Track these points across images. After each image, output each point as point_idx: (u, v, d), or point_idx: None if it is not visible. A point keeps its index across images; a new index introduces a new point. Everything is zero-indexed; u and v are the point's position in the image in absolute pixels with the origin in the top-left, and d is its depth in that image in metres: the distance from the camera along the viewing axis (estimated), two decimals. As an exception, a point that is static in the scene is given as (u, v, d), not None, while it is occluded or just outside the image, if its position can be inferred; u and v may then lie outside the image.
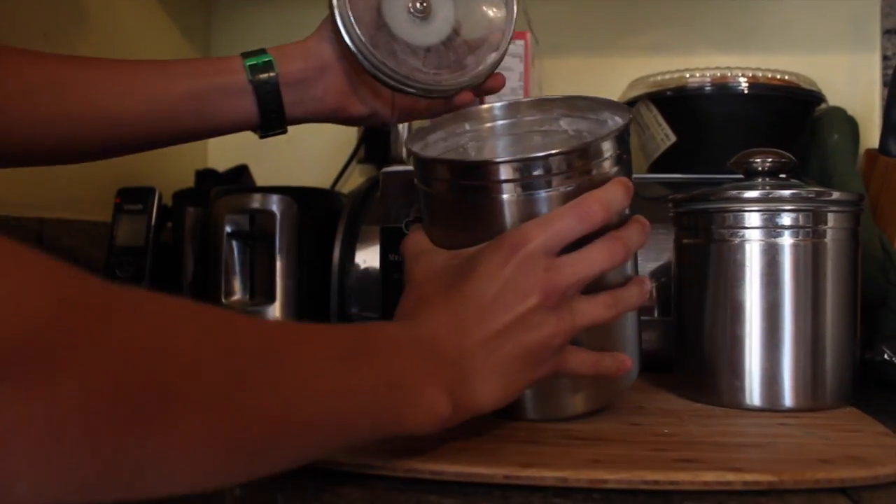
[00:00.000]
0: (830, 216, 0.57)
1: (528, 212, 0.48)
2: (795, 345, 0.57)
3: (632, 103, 0.88)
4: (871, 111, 1.03)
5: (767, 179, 0.59)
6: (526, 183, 0.47)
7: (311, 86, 0.63)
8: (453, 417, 0.43)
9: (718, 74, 0.84)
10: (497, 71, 0.64)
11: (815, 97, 0.87)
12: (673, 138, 0.86)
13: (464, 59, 0.63)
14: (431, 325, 0.45)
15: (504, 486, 0.42)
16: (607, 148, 0.49)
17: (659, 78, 0.86)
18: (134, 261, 0.84)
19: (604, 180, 0.48)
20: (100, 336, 0.26)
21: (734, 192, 0.58)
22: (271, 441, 0.33)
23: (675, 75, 0.85)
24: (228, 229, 0.79)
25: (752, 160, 0.60)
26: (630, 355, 0.52)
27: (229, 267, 0.79)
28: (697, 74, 0.84)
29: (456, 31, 0.63)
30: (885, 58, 1.04)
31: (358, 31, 0.59)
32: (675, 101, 0.85)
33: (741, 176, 0.61)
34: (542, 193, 0.47)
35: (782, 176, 0.60)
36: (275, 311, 0.77)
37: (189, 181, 1.01)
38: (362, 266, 0.76)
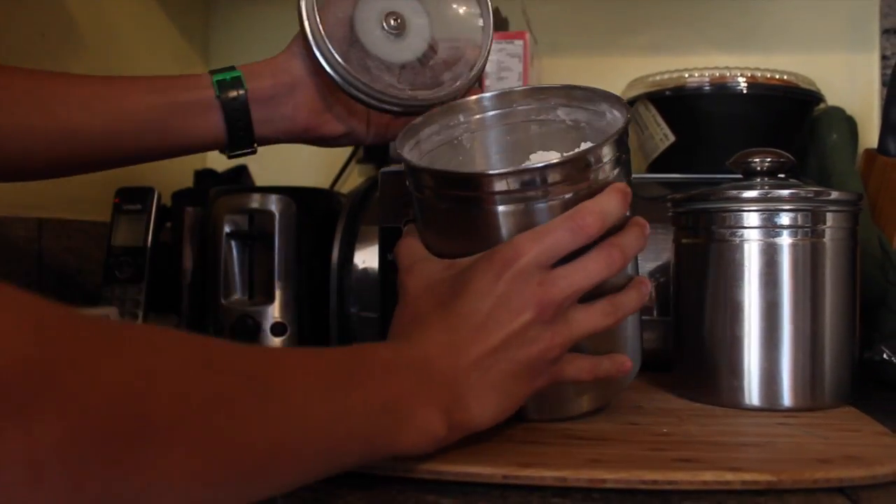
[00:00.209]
0: (829, 216, 0.57)
1: (524, 222, 0.46)
2: (794, 344, 0.57)
3: (631, 103, 0.88)
4: (869, 111, 1.03)
5: (766, 179, 0.59)
6: (521, 194, 0.46)
7: (281, 103, 0.61)
8: (448, 437, 0.42)
9: (717, 74, 0.84)
10: (475, 87, 0.63)
11: (813, 97, 0.87)
12: (672, 138, 0.86)
13: (440, 76, 0.62)
14: (425, 346, 0.44)
15: (503, 485, 0.42)
16: (607, 153, 0.47)
17: (658, 78, 0.87)
18: (133, 261, 0.84)
19: (603, 186, 0.47)
20: (80, 372, 0.26)
21: (733, 192, 0.58)
22: (262, 470, 0.33)
23: (674, 75, 0.85)
24: (227, 229, 0.79)
25: (750, 160, 0.60)
26: (630, 354, 0.52)
27: (228, 267, 0.79)
28: (696, 74, 0.84)
29: (432, 48, 0.62)
30: (883, 57, 1.04)
31: (329, 46, 0.58)
32: (673, 101, 0.85)
33: (740, 176, 0.61)
34: (539, 204, 0.46)
35: (781, 176, 0.60)
36: (274, 310, 0.77)
37: (188, 181, 1.01)
38: (361, 266, 0.76)
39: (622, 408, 0.56)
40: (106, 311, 0.77)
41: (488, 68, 0.63)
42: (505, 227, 0.46)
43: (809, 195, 0.57)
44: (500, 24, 0.96)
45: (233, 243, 0.79)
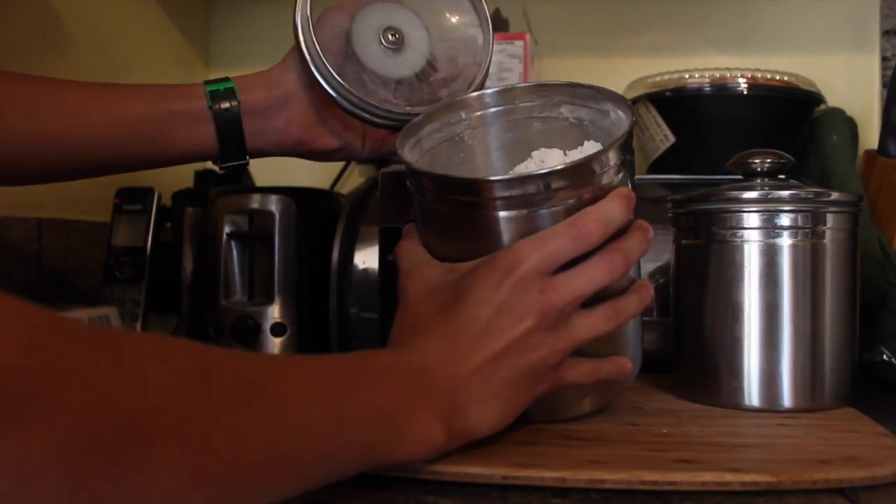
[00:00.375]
0: (829, 217, 0.57)
1: (526, 228, 0.45)
2: (794, 345, 0.57)
3: (632, 104, 0.88)
4: (870, 112, 1.03)
5: (766, 180, 0.59)
6: (523, 200, 0.45)
7: (274, 116, 0.61)
8: (448, 444, 0.42)
9: (717, 75, 0.84)
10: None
11: (814, 98, 0.87)
12: (672, 139, 0.86)
13: (437, 92, 0.61)
14: (425, 353, 0.44)
15: (502, 486, 0.42)
16: (612, 157, 0.46)
17: (658, 79, 0.87)
18: (133, 261, 0.84)
19: (607, 190, 0.46)
20: (73, 380, 0.26)
21: (733, 193, 0.58)
22: (258, 478, 0.32)
23: (675, 76, 0.85)
24: (227, 229, 0.79)
25: (750, 161, 0.60)
26: (631, 355, 0.52)
27: (228, 267, 0.79)
28: (696, 75, 0.84)
29: (430, 64, 0.61)
30: (884, 59, 1.04)
31: (324, 60, 0.57)
32: (674, 102, 0.85)
33: (740, 176, 0.61)
34: (542, 210, 0.45)
35: (781, 177, 0.60)
36: (273, 311, 0.77)
37: (188, 181, 1.01)
38: (361, 266, 0.76)
39: (622, 408, 0.56)
40: (106, 312, 0.77)
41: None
42: (506, 233, 0.46)
43: (809, 196, 0.57)
44: (501, 25, 0.96)
45: (233, 244, 0.79)
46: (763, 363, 0.57)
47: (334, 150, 0.64)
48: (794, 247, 0.57)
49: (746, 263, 0.57)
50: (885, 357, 0.67)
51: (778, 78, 0.84)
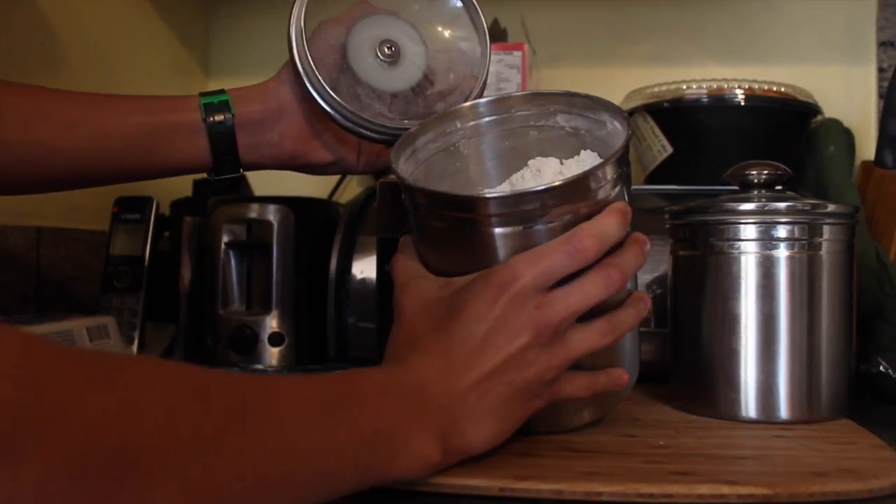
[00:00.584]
0: (826, 228, 0.58)
1: (522, 244, 0.45)
2: (791, 357, 0.57)
3: (629, 114, 0.89)
4: (866, 123, 1.03)
5: (763, 192, 0.60)
6: (519, 216, 0.45)
7: (268, 129, 0.61)
8: (443, 462, 0.42)
9: (715, 86, 0.84)
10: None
11: (811, 109, 0.87)
12: (670, 150, 0.86)
13: (433, 106, 0.60)
14: (420, 371, 0.44)
15: (499, 498, 0.42)
16: (608, 172, 0.46)
17: (656, 89, 0.87)
18: (131, 270, 0.84)
19: (604, 205, 0.46)
20: (63, 410, 0.25)
21: (730, 205, 0.59)
22: (253, 500, 0.33)
23: (672, 87, 0.86)
24: (226, 239, 0.79)
25: (747, 172, 0.60)
26: (627, 366, 0.52)
27: (226, 276, 0.79)
28: (694, 86, 0.85)
29: (426, 77, 0.61)
30: (880, 70, 1.05)
31: (317, 73, 0.57)
32: (671, 113, 0.86)
33: (737, 187, 0.61)
34: (537, 226, 0.45)
35: (778, 188, 0.60)
36: (271, 320, 0.77)
37: (187, 190, 1.01)
38: (359, 276, 0.77)
39: (619, 420, 0.57)
40: (104, 321, 0.77)
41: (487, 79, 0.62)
42: (502, 249, 0.46)
43: (806, 208, 0.57)
44: (499, 35, 0.97)
45: (231, 253, 0.80)
46: (760, 374, 0.57)
47: (328, 163, 0.64)
48: (790, 258, 0.57)
49: (743, 275, 0.57)
50: (881, 368, 0.67)
51: (775, 89, 0.85)
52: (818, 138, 0.88)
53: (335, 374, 0.41)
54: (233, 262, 0.80)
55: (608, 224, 0.45)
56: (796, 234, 0.57)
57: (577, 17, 1.13)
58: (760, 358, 0.57)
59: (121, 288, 0.84)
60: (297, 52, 0.57)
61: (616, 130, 0.51)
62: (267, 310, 0.78)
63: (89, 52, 0.97)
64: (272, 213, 0.79)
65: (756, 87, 0.84)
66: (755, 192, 0.60)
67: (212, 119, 0.59)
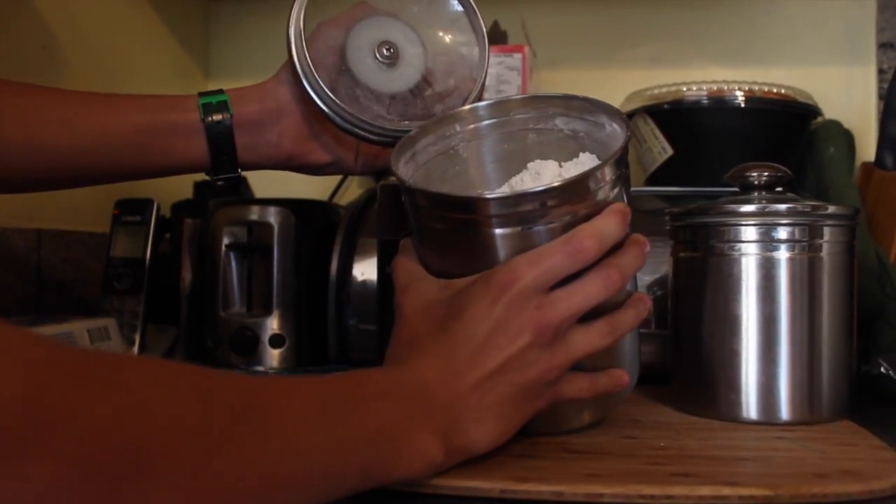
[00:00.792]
0: (826, 230, 0.58)
1: (522, 245, 0.45)
2: (792, 358, 0.57)
3: (629, 116, 0.89)
4: (867, 124, 1.04)
5: (764, 193, 0.60)
6: (519, 217, 0.45)
7: (266, 129, 0.61)
8: (445, 462, 0.42)
9: (715, 88, 0.84)
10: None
11: (811, 110, 0.87)
12: (670, 151, 0.86)
13: (432, 108, 0.60)
14: (422, 371, 0.44)
15: (500, 500, 0.42)
16: (607, 173, 0.46)
17: (656, 91, 0.87)
18: (132, 272, 0.84)
19: (603, 206, 0.46)
20: (72, 411, 0.26)
21: (731, 207, 0.59)
22: (258, 500, 0.33)
23: (672, 89, 0.86)
24: (226, 241, 0.79)
25: (748, 174, 0.60)
26: (628, 367, 0.52)
27: (227, 279, 0.79)
28: (694, 88, 0.85)
29: (425, 79, 0.61)
30: (880, 71, 1.05)
31: (316, 75, 0.57)
32: (672, 115, 0.86)
33: (737, 189, 0.61)
34: (537, 227, 0.45)
35: (779, 189, 0.60)
36: (272, 322, 0.77)
37: (187, 192, 1.01)
38: (360, 278, 0.77)
39: (620, 421, 0.57)
40: (104, 323, 0.77)
41: (487, 81, 0.62)
42: (502, 250, 0.46)
43: (807, 210, 0.57)
44: (499, 38, 0.97)
45: (232, 255, 0.80)
46: (761, 376, 0.57)
47: (327, 164, 0.64)
48: (791, 260, 0.57)
49: (744, 276, 0.58)
50: (882, 369, 0.67)
51: (775, 91, 0.85)
52: (818, 140, 0.88)
53: (337, 375, 0.41)
54: (233, 263, 0.80)
55: (608, 224, 0.45)
56: (797, 236, 0.57)
57: (577, 19, 1.13)
58: (761, 359, 0.57)
59: (121, 290, 0.84)
60: (297, 53, 0.57)
61: (615, 132, 0.51)
62: (268, 312, 0.78)
63: (89, 54, 0.97)
64: (273, 215, 0.79)
65: (756, 88, 0.84)
66: (755, 193, 0.60)
67: (210, 119, 0.59)
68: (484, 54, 0.61)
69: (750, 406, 0.57)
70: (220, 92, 0.61)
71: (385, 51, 0.59)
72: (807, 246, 0.57)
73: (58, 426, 0.25)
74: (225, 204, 0.81)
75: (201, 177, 1.10)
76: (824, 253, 0.58)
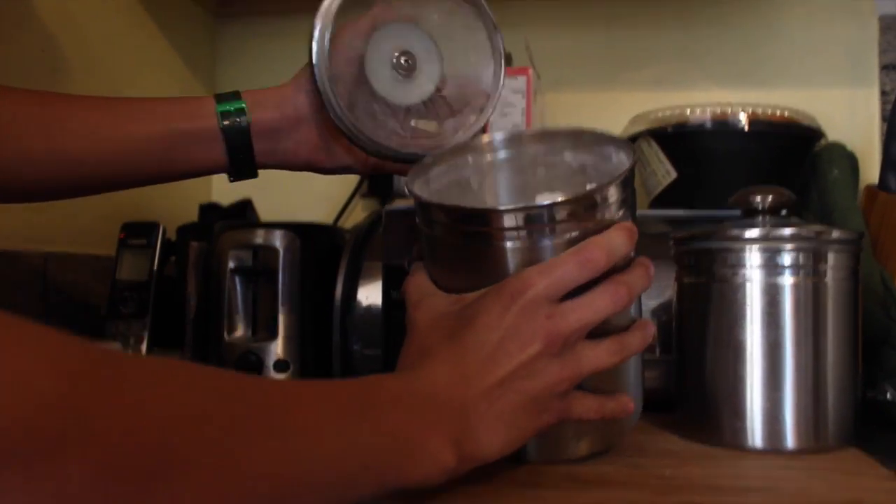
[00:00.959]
0: (830, 255, 0.58)
1: (531, 258, 0.47)
2: (797, 385, 0.57)
3: (633, 139, 0.89)
4: (870, 146, 1.03)
5: (767, 218, 0.60)
6: (530, 230, 0.47)
7: (284, 138, 0.61)
8: (458, 467, 0.42)
9: (719, 111, 0.84)
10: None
11: (814, 133, 0.87)
12: (674, 174, 0.86)
13: (444, 122, 0.62)
14: (433, 377, 0.44)
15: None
16: (612, 193, 0.48)
17: (660, 114, 0.87)
18: (137, 296, 0.85)
19: (609, 225, 0.47)
20: (108, 409, 0.26)
21: (734, 232, 0.59)
22: (276, 500, 0.33)
23: (676, 112, 0.86)
24: (231, 265, 0.79)
25: (752, 198, 0.60)
26: (632, 396, 0.52)
27: (232, 302, 0.79)
28: (698, 111, 0.85)
29: (439, 91, 0.61)
30: (883, 93, 1.05)
31: (338, 99, 0.58)
32: (676, 138, 0.86)
33: (741, 212, 0.61)
34: (547, 241, 0.47)
35: (783, 213, 0.60)
36: (277, 347, 0.77)
37: (193, 215, 1.01)
38: (365, 302, 0.77)
39: (625, 449, 0.56)
40: (110, 346, 0.77)
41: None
42: (513, 263, 0.47)
43: (811, 235, 0.58)
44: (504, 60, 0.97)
45: (237, 279, 0.80)
46: (766, 403, 0.57)
47: (340, 168, 0.65)
48: (795, 285, 0.57)
49: (748, 302, 0.57)
50: (888, 395, 0.67)
51: (779, 114, 0.85)
52: (822, 162, 0.88)
53: (350, 381, 0.42)
54: (238, 287, 0.80)
55: (615, 238, 0.47)
56: (801, 262, 0.57)
57: (581, 41, 1.13)
58: (766, 386, 0.57)
59: (127, 313, 0.84)
60: (319, 69, 0.57)
61: (621, 162, 0.52)
62: (272, 336, 0.78)
63: (94, 74, 0.98)
64: (278, 239, 0.79)
65: (760, 111, 0.84)
66: (759, 217, 0.60)
67: (228, 127, 0.60)
68: (500, 71, 0.62)
69: (755, 433, 0.57)
70: (237, 97, 0.61)
71: (403, 61, 0.60)
72: (811, 271, 0.57)
73: (95, 426, 0.25)
74: (230, 227, 0.81)
75: (206, 199, 1.11)
76: (828, 278, 0.58)
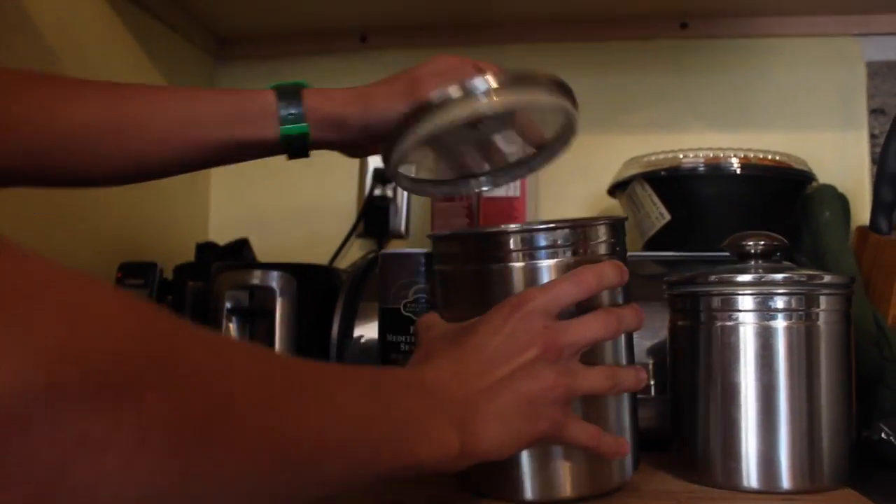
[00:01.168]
0: (822, 299, 0.58)
1: (532, 279, 0.53)
2: (791, 426, 0.57)
3: (627, 182, 0.90)
4: (860, 188, 1.05)
5: (760, 262, 0.60)
6: (532, 252, 0.53)
7: (335, 139, 0.66)
8: (460, 457, 0.45)
9: (711, 155, 0.86)
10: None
11: (806, 176, 0.88)
12: (667, 217, 0.87)
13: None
14: (437, 372, 0.48)
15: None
16: (603, 232, 0.55)
17: (653, 158, 0.88)
18: (134, 335, 0.84)
19: (599, 259, 0.53)
20: (177, 360, 0.29)
21: (727, 276, 0.59)
22: (311, 463, 0.36)
23: (669, 155, 0.87)
24: (228, 304, 0.80)
25: (744, 243, 0.61)
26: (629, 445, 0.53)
27: (228, 342, 0.79)
28: (691, 155, 0.86)
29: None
30: (872, 136, 1.07)
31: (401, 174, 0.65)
32: (669, 181, 0.87)
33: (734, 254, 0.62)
34: (546, 262, 0.53)
35: (775, 257, 0.61)
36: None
37: (190, 255, 1.02)
38: (361, 342, 0.77)
39: (621, 490, 0.56)
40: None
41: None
42: (516, 283, 0.53)
43: (803, 279, 0.58)
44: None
45: (233, 318, 0.80)
46: (760, 445, 0.57)
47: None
48: (788, 329, 0.58)
49: (742, 345, 0.58)
50: (883, 435, 0.67)
51: (770, 157, 0.86)
52: (813, 204, 0.89)
53: (364, 368, 0.45)
54: (235, 327, 0.80)
55: (605, 267, 0.52)
56: (793, 305, 0.58)
57: (575, 84, 1.14)
58: (760, 428, 0.57)
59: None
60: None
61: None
62: (268, 376, 0.78)
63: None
64: (275, 280, 0.79)
65: (752, 155, 0.85)
66: (752, 262, 0.61)
67: (288, 143, 0.65)
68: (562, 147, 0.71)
69: (750, 474, 0.57)
70: (300, 119, 0.64)
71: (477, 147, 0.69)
72: (803, 315, 0.58)
73: (168, 370, 0.28)
74: (227, 268, 0.82)
75: (203, 238, 1.11)
76: (821, 322, 0.58)
